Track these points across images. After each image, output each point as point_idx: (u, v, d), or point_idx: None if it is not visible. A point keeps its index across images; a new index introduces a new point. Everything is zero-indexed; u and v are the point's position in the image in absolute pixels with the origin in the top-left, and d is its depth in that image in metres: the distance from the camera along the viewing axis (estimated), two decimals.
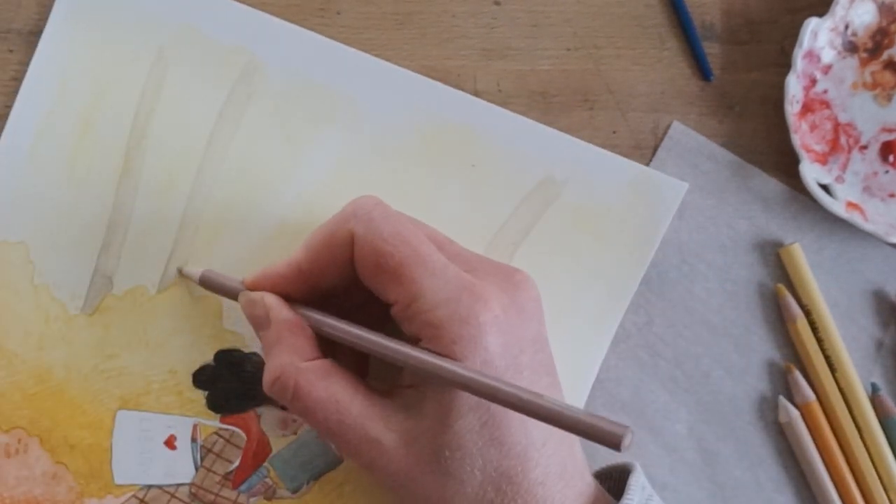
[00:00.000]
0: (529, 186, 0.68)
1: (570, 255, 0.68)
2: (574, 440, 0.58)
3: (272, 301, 0.59)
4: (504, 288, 0.57)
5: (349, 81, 0.68)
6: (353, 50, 0.68)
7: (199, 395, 0.66)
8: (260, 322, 0.60)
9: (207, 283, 0.64)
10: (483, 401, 0.53)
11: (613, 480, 0.61)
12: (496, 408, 0.54)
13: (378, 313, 0.59)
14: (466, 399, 0.54)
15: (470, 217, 0.67)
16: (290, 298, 0.60)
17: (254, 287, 0.61)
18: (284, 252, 0.63)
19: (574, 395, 0.67)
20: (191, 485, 0.66)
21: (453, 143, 0.67)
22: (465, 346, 0.53)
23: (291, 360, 0.57)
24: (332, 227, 0.58)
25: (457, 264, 0.57)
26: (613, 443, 0.48)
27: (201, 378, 0.66)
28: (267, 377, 0.58)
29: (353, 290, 0.59)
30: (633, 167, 0.68)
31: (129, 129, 0.66)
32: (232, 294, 0.62)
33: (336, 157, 0.67)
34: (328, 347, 0.59)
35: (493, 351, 0.54)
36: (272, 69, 0.67)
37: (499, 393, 0.51)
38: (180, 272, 0.66)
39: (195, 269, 0.65)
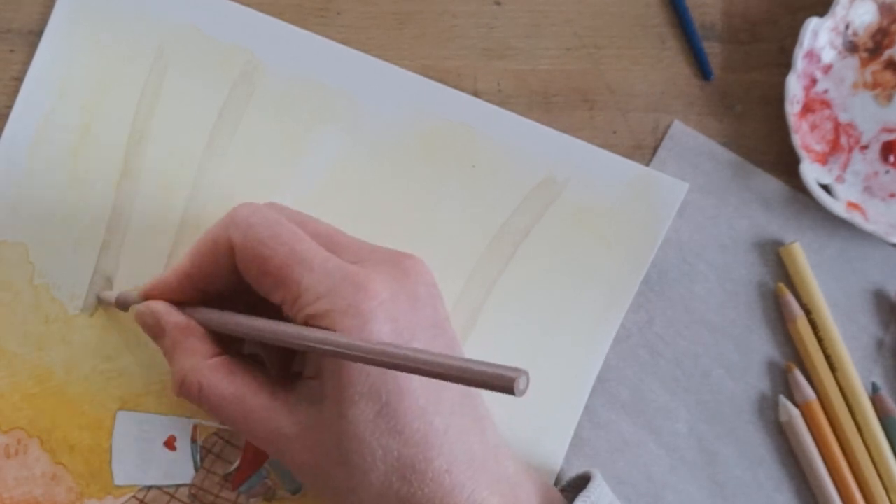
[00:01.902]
0: (530, 186, 0.68)
1: (571, 256, 0.68)
2: (485, 426, 0.58)
3: (160, 307, 0.60)
4: (393, 275, 0.56)
5: (349, 82, 0.68)
6: (352, 50, 0.68)
7: None
8: (154, 331, 0.60)
9: (121, 305, 0.64)
10: (375, 389, 0.53)
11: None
12: (390, 395, 0.53)
13: (273, 314, 0.58)
14: (358, 387, 0.53)
15: (470, 217, 0.67)
16: (181, 304, 0.60)
17: (147, 297, 0.61)
18: None
19: (574, 396, 0.67)
20: (190, 486, 0.66)
21: (453, 143, 0.68)
22: (351, 332, 0.53)
23: (192, 362, 0.58)
24: (213, 236, 0.58)
25: (345, 256, 0.57)
26: (505, 387, 0.45)
27: None
28: (173, 382, 0.59)
29: (244, 293, 0.59)
30: (634, 167, 0.68)
31: (129, 129, 0.66)
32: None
33: (336, 158, 0.67)
34: (229, 348, 0.60)
35: (382, 336, 0.53)
36: (272, 69, 0.67)
37: (369, 353, 0.50)
38: (99, 299, 0.66)
39: (111, 294, 0.65)
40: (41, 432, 0.65)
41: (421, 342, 0.55)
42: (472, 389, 0.57)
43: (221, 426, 0.66)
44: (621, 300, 0.68)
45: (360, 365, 0.53)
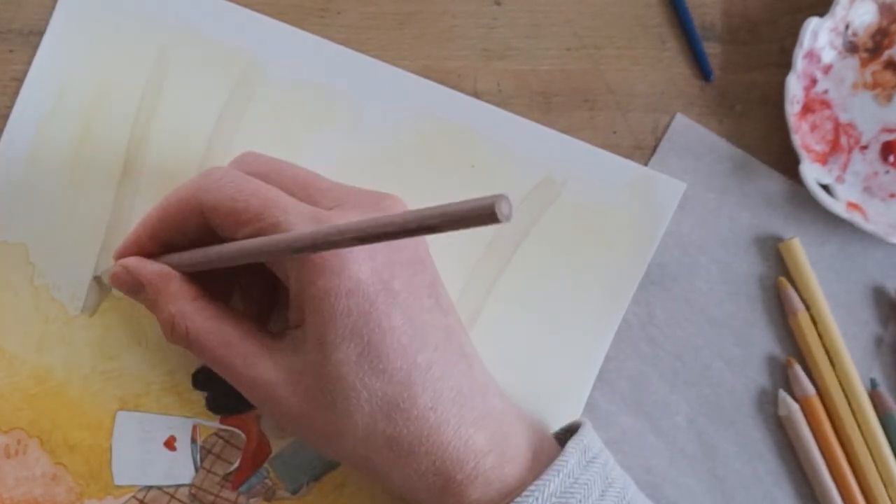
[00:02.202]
0: (529, 187, 0.68)
1: (570, 256, 0.68)
2: (471, 362, 0.58)
3: (133, 261, 0.60)
4: (368, 213, 0.55)
5: (349, 83, 0.68)
6: (352, 51, 0.68)
7: (199, 396, 0.66)
8: (132, 286, 0.60)
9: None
10: (357, 329, 0.53)
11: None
12: (372, 335, 0.53)
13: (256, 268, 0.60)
14: (340, 329, 0.53)
15: None
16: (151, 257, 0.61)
17: (121, 256, 0.61)
18: None
19: (575, 394, 0.67)
20: (190, 486, 0.66)
21: (453, 143, 0.68)
22: (329, 277, 0.53)
23: (178, 305, 0.58)
24: (180, 198, 0.58)
25: (324, 202, 0.57)
26: (488, 215, 0.41)
27: (201, 379, 0.66)
28: (163, 330, 0.59)
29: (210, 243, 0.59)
30: (633, 167, 0.68)
31: (129, 130, 0.66)
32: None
33: (336, 158, 0.67)
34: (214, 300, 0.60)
35: (361, 278, 0.53)
36: (272, 70, 0.67)
37: (331, 236, 0.48)
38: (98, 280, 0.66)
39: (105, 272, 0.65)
40: (41, 432, 0.65)
41: (401, 279, 0.55)
42: (456, 326, 0.58)
43: (222, 426, 0.66)
44: (620, 299, 0.68)
45: (341, 307, 0.53)
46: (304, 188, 0.58)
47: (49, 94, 0.66)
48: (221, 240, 0.57)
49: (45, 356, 0.66)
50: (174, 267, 0.59)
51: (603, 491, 0.57)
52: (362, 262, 0.53)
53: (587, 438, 0.58)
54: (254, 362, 0.56)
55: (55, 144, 0.66)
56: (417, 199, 0.64)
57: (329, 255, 0.53)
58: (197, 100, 0.67)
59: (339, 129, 0.67)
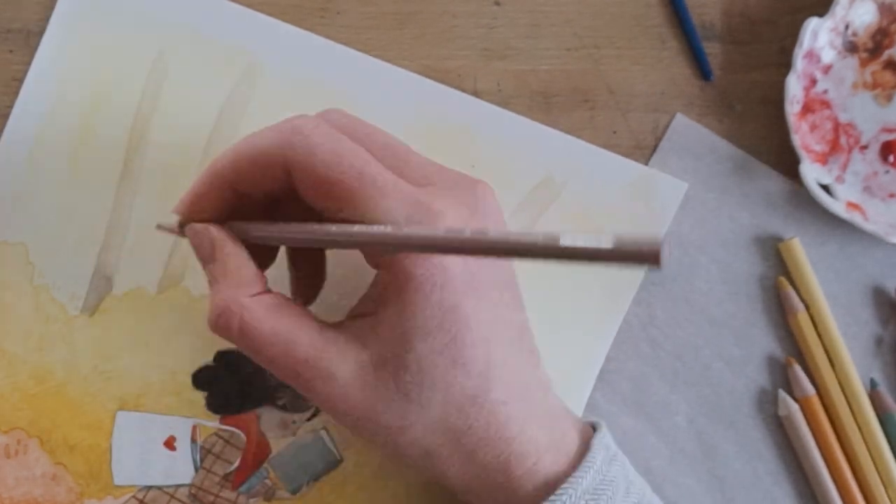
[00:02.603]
0: (529, 186, 0.68)
1: None
2: (537, 361, 0.58)
3: (217, 233, 0.56)
4: (464, 202, 0.55)
5: (349, 82, 0.68)
6: (352, 51, 0.68)
7: (199, 396, 0.66)
8: (206, 255, 0.57)
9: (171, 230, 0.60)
10: (445, 321, 0.52)
11: None
12: (458, 328, 0.52)
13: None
14: (429, 321, 0.52)
15: None
16: (223, 216, 0.57)
17: (185, 210, 0.57)
18: (285, 253, 0.63)
19: (575, 396, 0.68)
20: (190, 486, 0.66)
21: (453, 143, 0.68)
22: (422, 267, 0.52)
23: (235, 295, 0.55)
24: (263, 149, 0.55)
25: (414, 178, 0.55)
26: (651, 259, 0.42)
27: (201, 379, 0.66)
28: (211, 313, 0.55)
29: (288, 200, 0.56)
30: (634, 167, 0.68)
31: (129, 130, 0.66)
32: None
33: None
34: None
35: (452, 270, 0.52)
36: (272, 70, 0.67)
37: (481, 243, 0.46)
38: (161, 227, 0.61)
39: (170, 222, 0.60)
40: (41, 432, 0.66)
41: (486, 273, 0.54)
42: (527, 322, 0.57)
43: (222, 426, 0.66)
44: (621, 300, 0.68)
45: (434, 299, 0.52)
46: (394, 159, 0.56)
47: (49, 94, 0.66)
48: (299, 199, 0.55)
49: (45, 356, 0.66)
50: (252, 237, 0.56)
51: (627, 489, 0.57)
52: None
53: (607, 437, 0.59)
54: (317, 356, 0.54)
55: (55, 144, 0.66)
56: None
57: None
58: (197, 99, 0.67)
59: None
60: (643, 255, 0.42)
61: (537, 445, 0.55)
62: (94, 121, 0.66)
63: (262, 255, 0.59)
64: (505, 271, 0.57)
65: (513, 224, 0.67)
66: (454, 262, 0.52)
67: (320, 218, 0.54)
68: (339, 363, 0.54)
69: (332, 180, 0.53)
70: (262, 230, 0.56)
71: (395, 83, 0.68)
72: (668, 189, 0.68)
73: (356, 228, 0.51)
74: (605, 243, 0.44)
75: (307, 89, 0.67)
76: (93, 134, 0.66)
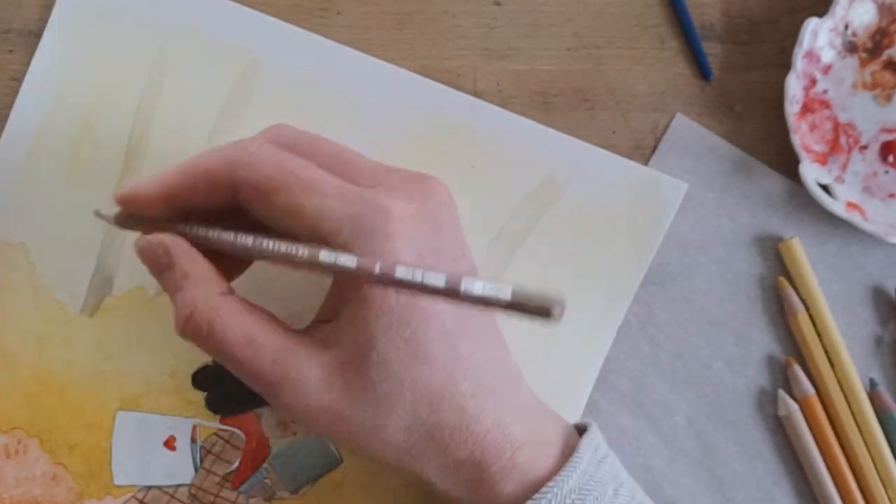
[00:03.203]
0: (530, 187, 0.68)
1: (571, 257, 0.68)
2: (507, 353, 0.58)
3: (171, 240, 0.55)
4: (414, 196, 0.55)
5: (349, 82, 0.68)
6: (352, 50, 0.68)
7: (199, 396, 0.66)
8: (160, 263, 0.56)
9: (118, 222, 0.59)
10: (404, 317, 0.52)
11: None
12: (418, 322, 0.52)
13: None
14: (384, 319, 0.52)
15: (470, 218, 0.66)
16: (167, 218, 0.57)
17: (124, 203, 0.57)
18: None
19: (574, 395, 0.67)
20: (190, 486, 0.66)
21: (453, 143, 0.68)
22: (376, 257, 0.51)
23: (205, 297, 0.54)
24: (208, 167, 0.55)
25: (362, 180, 0.55)
26: (543, 313, 0.45)
27: (201, 379, 0.66)
28: (178, 316, 0.54)
29: (226, 214, 0.56)
30: (634, 168, 0.68)
31: (129, 130, 0.66)
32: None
33: None
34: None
35: (405, 262, 0.51)
36: (272, 70, 0.67)
37: (424, 278, 0.48)
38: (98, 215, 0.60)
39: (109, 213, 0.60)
40: (41, 432, 0.66)
41: (444, 265, 0.54)
42: (493, 315, 0.57)
43: (222, 426, 0.66)
44: (621, 299, 0.68)
45: (384, 297, 0.52)
46: (342, 165, 0.56)
47: (49, 94, 0.67)
48: (244, 214, 0.56)
49: (46, 356, 0.66)
50: (198, 240, 0.56)
51: (615, 490, 0.57)
52: (406, 245, 0.53)
53: (597, 439, 0.58)
54: (283, 359, 0.53)
55: (55, 144, 0.66)
56: None
57: (375, 235, 0.52)
58: (197, 99, 0.67)
59: (339, 129, 0.66)
60: (537, 310, 0.45)
61: (511, 439, 0.55)
62: (95, 120, 0.66)
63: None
64: (465, 262, 0.57)
65: (513, 225, 0.68)
66: (406, 253, 0.53)
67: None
68: (305, 367, 0.54)
69: (275, 189, 0.53)
70: (212, 235, 0.55)
71: (395, 83, 0.68)
72: (669, 190, 0.68)
73: (271, 243, 0.52)
74: (504, 294, 0.46)
75: (307, 89, 0.67)
76: (93, 134, 0.66)
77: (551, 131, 0.68)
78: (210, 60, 0.67)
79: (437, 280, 0.48)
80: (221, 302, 0.54)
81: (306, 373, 0.53)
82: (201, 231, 0.56)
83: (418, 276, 0.48)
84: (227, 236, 0.55)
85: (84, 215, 0.65)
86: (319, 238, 0.53)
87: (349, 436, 0.55)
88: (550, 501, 0.54)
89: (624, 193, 0.68)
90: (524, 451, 0.55)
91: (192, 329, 0.54)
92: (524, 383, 0.58)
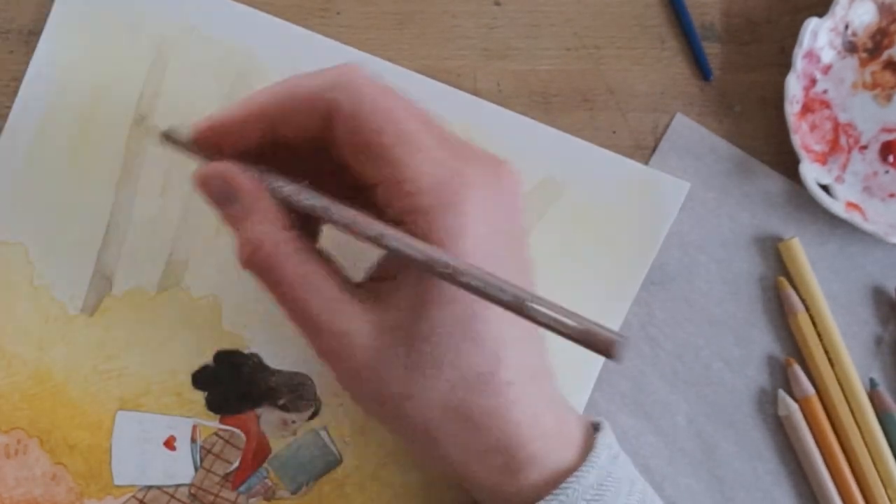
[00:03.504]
0: (530, 186, 0.68)
1: (572, 256, 0.68)
2: (544, 346, 0.57)
3: (232, 168, 0.55)
4: (491, 180, 0.54)
5: None
6: (351, 49, 0.68)
7: (199, 396, 0.66)
8: (221, 195, 0.55)
9: (170, 139, 0.58)
10: (463, 294, 0.51)
11: None
12: (475, 302, 0.51)
13: (341, 186, 0.56)
14: (446, 290, 0.52)
15: None
16: (244, 156, 0.55)
17: (205, 135, 0.56)
18: None
19: (574, 395, 0.67)
20: (190, 486, 0.66)
21: None
22: (449, 234, 0.51)
23: (269, 228, 0.53)
24: (311, 89, 0.54)
25: (444, 148, 0.54)
26: (606, 350, 0.46)
27: (201, 379, 0.66)
28: (242, 249, 0.54)
29: (312, 157, 0.56)
30: (635, 167, 0.68)
31: (128, 129, 0.66)
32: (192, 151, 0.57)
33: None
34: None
35: (475, 242, 0.52)
36: (271, 68, 0.67)
37: (489, 289, 0.49)
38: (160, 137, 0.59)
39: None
40: (41, 432, 0.66)
41: (506, 251, 0.54)
42: None
43: (222, 426, 0.66)
44: (623, 299, 0.68)
45: None
46: (432, 125, 0.55)
47: (48, 93, 0.67)
48: (323, 150, 0.55)
49: (45, 356, 0.66)
50: (283, 194, 0.54)
51: (630, 488, 0.57)
52: (480, 225, 0.52)
53: (610, 436, 0.58)
54: (334, 308, 0.53)
55: (54, 144, 0.66)
56: None
57: (452, 212, 0.52)
58: (196, 97, 0.67)
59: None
60: (600, 345, 0.46)
61: (543, 430, 0.55)
62: (94, 120, 0.66)
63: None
64: (524, 251, 0.57)
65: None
66: (478, 233, 0.52)
67: (337, 184, 0.54)
68: (354, 321, 0.53)
69: (374, 129, 0.52)
70: (285, 189, 0.54)
71: (395, 82, 0.67)
72: (670, 189, 0.68)
73: (398, 234, 0.51)
74: (568, 324, 0.48)
75: None
76: (92, 133, 0.66)
77: (551, 130, 0.68)
78: (209, 59, 0.67)
79: (503, 294, 0.48)
80: (286, 238, 0.54)
81: (353, 326, 0.53)
82: (275, 182, 0.54)
83: (485, 285, 0.49)
84: (304, 196, 0.54)
85: (84, 215, 0.66)
86: (395, 190, 0.52)
87: (380, 400, 0.54)
88: (570, 496, 0.54)
89: (625, 193, 0.68)
90: (552, 442, 0.55)
91: (256, 261, 0.53)
92: (554, 379, 0.58)
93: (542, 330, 0.52)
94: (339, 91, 0.53)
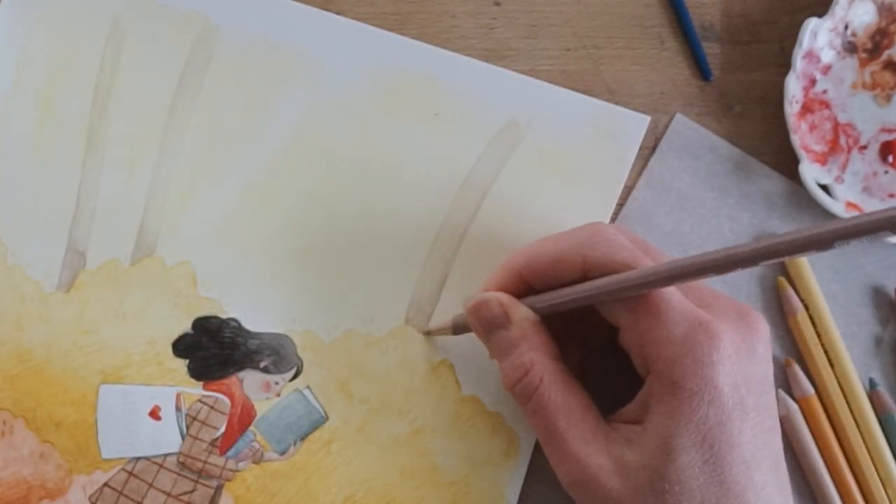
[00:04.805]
0: (493, 131, 0.68)
1: (539, 198, 0.68)
2: (788, 491, 0.58)
3: (507, 298, 0.59)
4: (737, 327, 0.56)
5: (306, 39, 0.68)
6: (307, 7, 0.69)
7: (180, 364, 0.66)
8: (496, 322, 0.59)
9: (458, 329, 0.64)
10: (709, 437, 0.53)
11: None
12: (721, 446, 0.53)
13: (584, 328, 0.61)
14: (693, 434, 0.53)
15: (437, 166, 0.67)
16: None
17: (479, 307, 0.60)
18: (256, 214, 0.66)
19: None
20: (178, 454, 0.66)
21: (415, 93, 0.68)
22: (695, 382, 0.53)
23: (540, 357, 0.57)
24: (563, 248, 0.58)
25: (691, 297, 0.56)
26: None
27: (181, 347, 0.66)
28: (513, 373, 0.58)
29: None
30: (595, 104, 0.69)
31: (90, 103, 0.67)
32: (462, 328, 0.63)
33: (299, 115, 0.68)
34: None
35: (722, 390, 0.53)
36: (228, 32, 0.68)
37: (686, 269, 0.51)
38: (428, 334, 0.67)
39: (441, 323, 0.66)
40: (26, 412, 0.66)
41: (754, 397, 0.55)
42: (782, 449, 0.58)
43: (205, 393, 0.66)
44: None
45: (700, 414, 0.53)
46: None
47: (6, 73, 0.68)
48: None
49: (24, 335, 0.66)
50: (548, 304, 0.59)
51: None
52: (726, 375, 0.54)
53: None
54: (587, 441, 0.56)
55: (17, 122, 0.67)
56: (384, 151, 0.65)
57: (703, 362, 0.53)
58: (156, 66, 0.68)
59: (301, 86, 0.68)
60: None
61: None
62: (54, 97, 0.67)
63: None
64: (770, 397, 0.57)
65: (479, 170, 0.68)
66: (726, 382, 0.54)
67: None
68: (605, 458, 0.56)
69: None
70: (547, 297, 0.58)
71: (353, 37, 0.69)
72: (631, 123, 0.69)
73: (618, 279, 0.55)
74: None
75: (265, 48, 0.68)
76: (54, 110, 0.67)
77: (512, 74, 0.69)
78: (166, 27, 0.68)
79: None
80: (554, 367, 0.58)
81: (602, 462, 0.56)
82: (545, 297, 0.59)
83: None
84: (562, 295, 0.58)
85: (53, 191, 0.67)
86: (649, 341, 0.55)
87: None
88: None
89: (587, 130, 0.69)
90: None
91: (524, 386, 0.57)
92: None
93: (786, 475, 0.57)
94: (591, 248, 0.57)
